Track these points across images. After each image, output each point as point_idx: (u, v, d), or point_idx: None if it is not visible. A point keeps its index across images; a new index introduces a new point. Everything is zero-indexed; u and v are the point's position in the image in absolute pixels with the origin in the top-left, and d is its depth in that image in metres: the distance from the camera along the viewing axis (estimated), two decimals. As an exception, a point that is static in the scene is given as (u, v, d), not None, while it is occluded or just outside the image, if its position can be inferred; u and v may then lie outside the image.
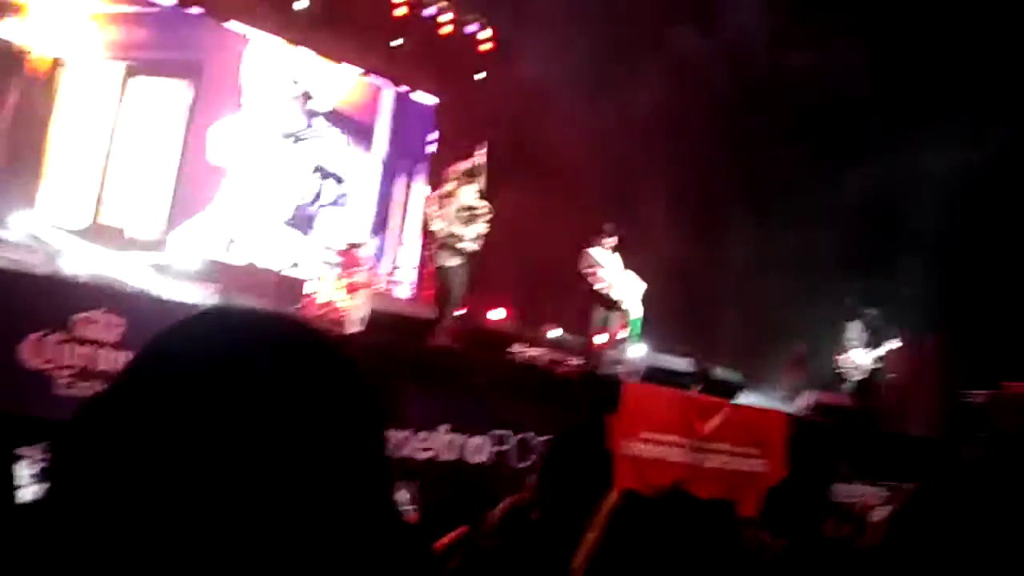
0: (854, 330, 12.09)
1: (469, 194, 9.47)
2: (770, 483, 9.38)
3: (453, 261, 9.37)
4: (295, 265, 12.10)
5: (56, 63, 10.66)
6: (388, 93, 14.45)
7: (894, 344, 12.04)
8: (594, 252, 10.02)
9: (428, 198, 9.89)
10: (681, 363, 9.92)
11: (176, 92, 11.95)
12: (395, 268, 13.72)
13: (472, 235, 9.42)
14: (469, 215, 9.44)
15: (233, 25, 12.55)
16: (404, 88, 14.56)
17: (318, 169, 13.29)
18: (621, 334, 10.21)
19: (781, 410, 10.46)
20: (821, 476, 9.04)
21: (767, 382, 12.07)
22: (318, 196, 13.30)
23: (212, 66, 12.36)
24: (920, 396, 13.03)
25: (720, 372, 10.12)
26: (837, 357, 12.10)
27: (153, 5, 11.74)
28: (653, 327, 10.77)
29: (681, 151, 12.86)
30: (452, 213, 9.35)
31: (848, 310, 12.09)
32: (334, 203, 13.52)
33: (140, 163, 11.53)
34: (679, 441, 9.05)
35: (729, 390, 10.02)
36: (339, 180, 13.64)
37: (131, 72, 11.52)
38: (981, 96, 11.81)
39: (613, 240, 10.05)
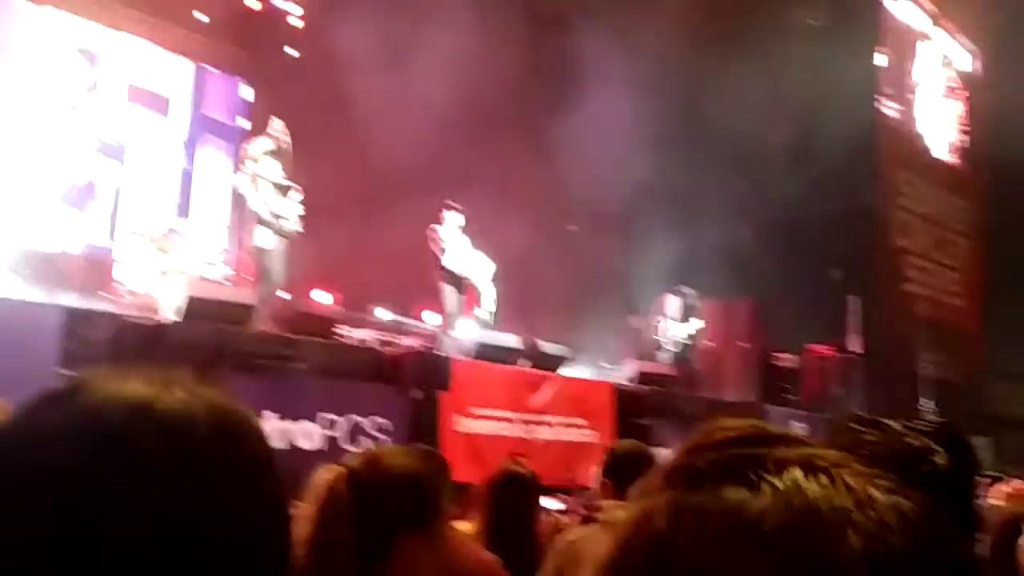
0: (671, 304, 12.57)
1: (276, 172, 9.20)
2: (600, 452, 9.68)
3: (271, 242, 9.07)
4: (94, 247, 11.40)
5: None
6: (188, 68, 13.83)
7: (703, 321, 12.64)
8: (440, 229, 9.98)
9: (240, 178, 9.54)
10: (509, 339, 9.99)
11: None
12: (212, 252, 13.18)
13: (291, 214, 9.16)
14: (281, 194, 9.19)
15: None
16: (207, 64, 13.99)
17: (101, 144, 12.53)
18: (476, 311, 10.21)
19: (606, 381, 10.71)
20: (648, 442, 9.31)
21: (591, 353, 12.35)
22: (101, 172, 12.51)
23: (3, 43, 11.56)
24: (733, 361, 13.67)
25: (547, 346, 10.26)
26: (655, 329, 12.53)
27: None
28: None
29: (495, 127, 12.93)
30: (267, 192, 9.07)
31: (666, 286, 12.60)
32: (122, 181, 12.77)
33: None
34: (510, 416, 9.12)
35: (556, 363, 10.17)
36: (125, 157, 12.90)
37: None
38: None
39: (458, 218, 10.04)
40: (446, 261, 9.89)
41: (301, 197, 9.24)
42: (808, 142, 13.00)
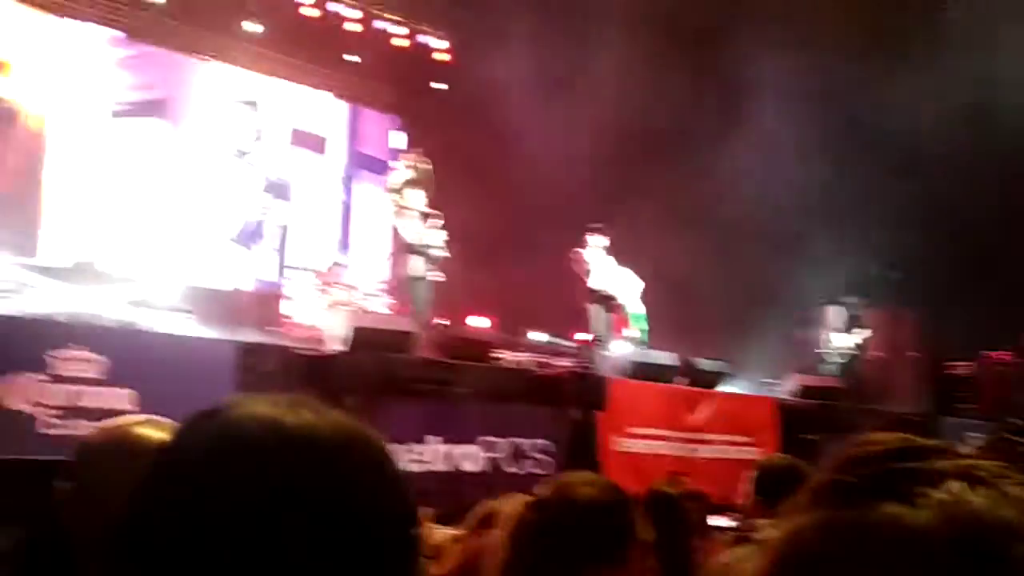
0: (835, 315, 12.20)
1: (419, 200, 9.47)
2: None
3: (421, 270, 9.33)
4: (264, 283, 11.99)
5: (43, 115, 10.75)
6: (343, 108, 14.40)
7: (870, 330, 12.19)
8: (585, 252, 10.13)
9: (388, 210, 9.90)
10: (664, 357, 9.90)
11: (149, 130, 12.01)
12: (372, 283, 13.62)
13: (439, 242, 9.42)
14: (428, 222, 9.46)
15: (188, 56, 12.56)
16: (360, 102, 14.51)
17: (268, 183, 13.15)
18: (626, 332, 10.25)
19: (768, 396, 10.47)
20: (815, 458, 9.05)
21: (751, 368, 12.08)
22: (269, 212, 13.14)
23: (177, 99, 12.39)
24: (903, 371, 13.09)
25: (704, 363, 10.11)
26: (819, 341, 12.19)
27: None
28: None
29: (648, 147, 12.87)
30: (413, 221, 9.36)
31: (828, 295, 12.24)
32: (288, 220, 13.37)
33: (116, 200, 11.57)
34: (669, 434, 9.03)
35: (714, 380, 10.01)
36: (291, 196, 13.49)
37: (109, 115, 11.60)
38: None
39: (603, 239, 10.14)
40: (592, 282, 10.00)
41: (442, 222, 9.47)
42: (976, 144, 12.40)
